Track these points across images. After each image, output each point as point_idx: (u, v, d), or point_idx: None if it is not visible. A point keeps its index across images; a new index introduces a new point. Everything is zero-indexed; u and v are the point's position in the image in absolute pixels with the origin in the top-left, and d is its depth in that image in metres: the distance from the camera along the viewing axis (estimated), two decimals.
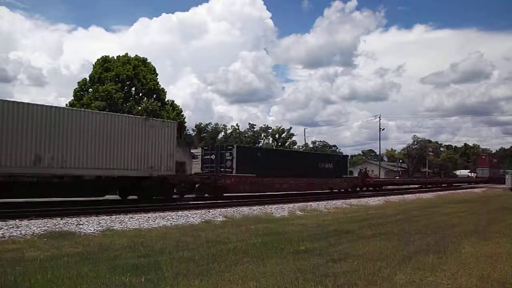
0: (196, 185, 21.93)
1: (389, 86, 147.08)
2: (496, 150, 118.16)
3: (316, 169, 28.96)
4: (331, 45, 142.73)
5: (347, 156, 39.40)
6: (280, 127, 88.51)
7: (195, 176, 22.86)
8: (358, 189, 34.00)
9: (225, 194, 22.43)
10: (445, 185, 54.16)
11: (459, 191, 43.77)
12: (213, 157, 24.41)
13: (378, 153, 75.19)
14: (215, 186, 22.00)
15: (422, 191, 39.03)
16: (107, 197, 18.47)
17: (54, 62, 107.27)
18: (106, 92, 32.56)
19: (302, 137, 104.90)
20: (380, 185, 40.43)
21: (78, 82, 35.35)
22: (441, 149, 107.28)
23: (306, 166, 28.12)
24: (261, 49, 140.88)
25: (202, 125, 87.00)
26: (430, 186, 49.77)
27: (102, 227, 11.49)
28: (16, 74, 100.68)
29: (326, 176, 29.77)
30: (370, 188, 36.50)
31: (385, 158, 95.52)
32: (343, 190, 31.37)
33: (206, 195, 22.39)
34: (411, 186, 47.89)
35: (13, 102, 14.77)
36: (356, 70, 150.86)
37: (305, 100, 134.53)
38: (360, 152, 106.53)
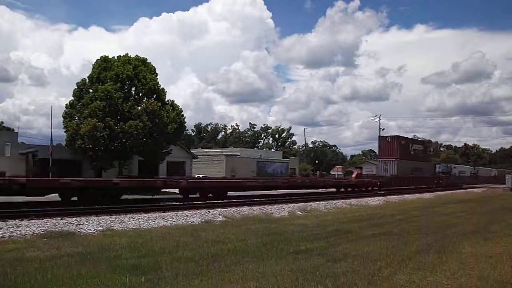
0: None
1: (391, 86, 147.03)
2: (496, 150, 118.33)
3: None
4: (333, 45, 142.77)
5: None
6: (280, 127, 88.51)
7: None
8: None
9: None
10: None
11: (459, 191, 43.79)
12: None
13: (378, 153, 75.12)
14: None
15: (422, 191, 39.07)
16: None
17: (54, 62, 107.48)
18: (106, 92, 32.52)
19: (302, 137, 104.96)
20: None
21: (77, 83, 35.30)
22: (441, 149, 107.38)
23: None
24: (262, 49, 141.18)
25: (202, 125, 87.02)
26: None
27: (102, 227, 11.49)
28: (17, 74, 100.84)
29: None
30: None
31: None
32: None
33: None
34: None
35: None
36: (357, 70, 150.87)
37: (306, 100, 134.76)
38: (360, 152, 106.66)
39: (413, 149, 44.04)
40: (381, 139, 44.30)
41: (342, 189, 32.52)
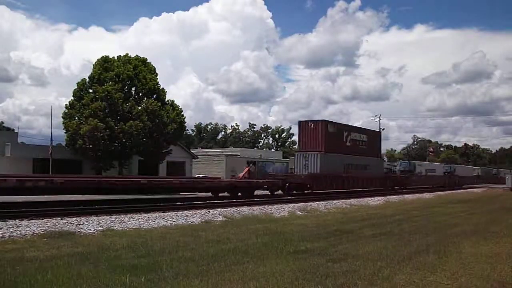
0: None
1: (391, 86, 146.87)
2: (496, 150, 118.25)
3: None
4: (333, 45, 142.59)
5: None
6: (280, 127, 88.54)
7: None
8: None
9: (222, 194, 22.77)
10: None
11: (459, 191, 43.79)
12: None
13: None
14: None
15: (423, 191, 38.98)
16: (108, 197, 18.46)
17: (54, 62, 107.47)
18: (106, 93, 32.51)
19: None
20: None
21: (78, 83, 35.30)
22: (441, 149, 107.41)
23: None
24: (262, 49, 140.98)
25: (202, 125, 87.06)
26: None
27: (102, 227, 11.49)
28: (17, 74, 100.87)
29: None
30: None
31: (385, 158, 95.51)
32: None
33: None
34: None
35: None
36: (358, 70, 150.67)
37: (306, 100, 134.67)
38: None
39: (351, 139, 32.83)
40: (302, 125, 30.96)
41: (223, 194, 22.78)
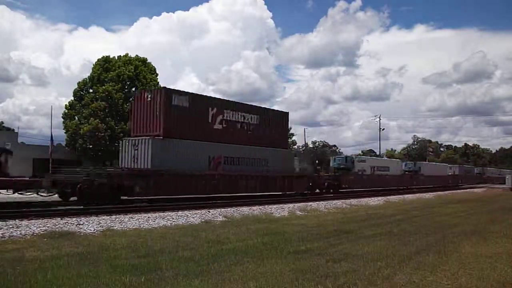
0: None
1: (391, 86, 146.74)
2: (496, 150, 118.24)
3: None
4: (334, 45, 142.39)
5: None
6: None
7: None
8: None
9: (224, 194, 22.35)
10: None
11: (459, 191, 43.78)
12: None
13: (378, 153, 75.12)
14: None
15: (423, 191, 38.84)
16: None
17: (54, 62, 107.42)
18: (107, 93, 32.54)
19: (303, 137, 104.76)
20: None
21: (78, 83, 35.34)
22: (441, 149, 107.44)
23: None
24: (263, 49, 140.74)
25: None
26: None
27: (102, 227, 11.49)
28: (17, 74, 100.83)
29: None
30: None
31: (385, 158, 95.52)
32: None
33: None
34: None
35: None
36: (358, 70, 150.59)
37: (306, 100, 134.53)
38: (360, 152, 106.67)
39: (226, 120, 22.13)
40: (136, 98, 21.25)
41: None
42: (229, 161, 22.01)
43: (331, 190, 30.83)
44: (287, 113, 27.20)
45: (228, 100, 24.94)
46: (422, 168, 48.09)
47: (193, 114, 20.42)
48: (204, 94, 25.19)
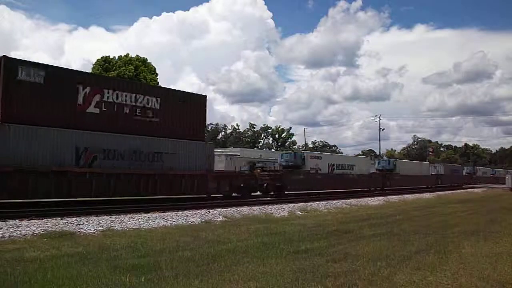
0: None
1: (391, 86, 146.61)
2: (496, 150, 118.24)
3: None
4: (334, 45, 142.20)
5: None
6: (280, 127, 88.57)
7: None
8: None
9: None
10: None
11: (459, 191, 43.78)
12: None
13: (378, 153, 75.17)
14: None
15: (423, 191, 38.71)
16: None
17: (55, 62, 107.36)
18: None
19: (303, 137, 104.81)
20: None
21: None
22: (441, 149, 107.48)
23: None
24: (263, 49, 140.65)
25: None
26: None
27: (102, 227, 11.49)
28: None
29: None
30: None
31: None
32: None
33: None
34: None
35: None
36: (358, 70, 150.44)
37: (306, 100, 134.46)
38: (360, 152, 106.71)
39: (106, 102, 17.26)
40: None
41: None
42: (111, 155, 17.05)
43: (272, 193, 25.72)
44: (204, 96, 22.16)
45: (110, 77, 19.40)
46: (398, 167, 41.94)
47: (52, 93, 15.76)
48: (74, 69, 20.00)
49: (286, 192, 26.45)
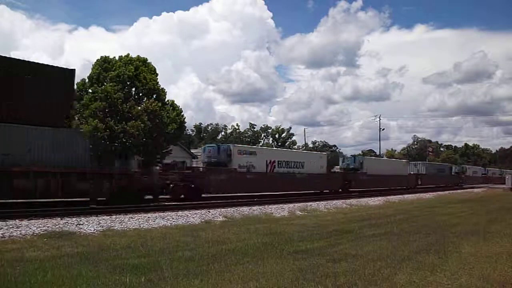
0: None
1: (392, 86, 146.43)
2: (496, 150, 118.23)
3: None
4: (335, 45, 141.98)
5: None
6: (279, 127, 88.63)
7: None
8: None
9: (225, 194, 22.08)
10: None
11: (459, 191, 43.77)
12: None
13: (378, 153, 75.13)
14: None
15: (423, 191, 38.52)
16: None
17: (55, 62, 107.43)
18: (106, 93, 32.57)
19: (303, 137, 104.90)
20: None
21: (77, 83, 35.32)
22: (441, 149, 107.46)
23: None
24: (263, 49, 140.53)
25: (202, 125, 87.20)
26: None
27: (102, 227, 11.50)
28: None
29: None
30: None
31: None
32: None
33: None
34: None
35: None
36: (359, 70, 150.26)
37: (307, 100, 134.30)
38: (360, 152, 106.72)
39: None
40: None
41: None
42: None
43: (183, 196, 20.90)
44: (72, 71, 18.72)
45: None
46: (365, 165, 35.29)
47: None
48: None
49: (203, 195, 22.02)
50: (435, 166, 54.55)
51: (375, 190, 32.82)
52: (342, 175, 33.70)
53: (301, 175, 28.56)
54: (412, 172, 44.74)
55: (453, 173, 56.29)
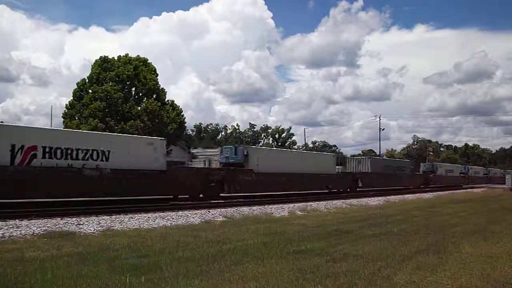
0: None
1: (392, 86, 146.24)
2: (496, 150, 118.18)
3: None
4: (335, 45, 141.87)
5: None
6: (280, 127, 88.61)
7: None
8: None
9: (224, 194, 22.03)
10: None
11: (459, 191, 43.76)
12: None
13: (378, 153, 75.12)
14: None
15: (423, 191, 38.44)
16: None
17: (55, 62, 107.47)
18: (105, 93, 32.56)
19: (303, 137, 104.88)
20: None
21: (77, 83, 35.37)
22: (441, 149, 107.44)
23: None
24: (264, 49, 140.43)
25: (202, 125, 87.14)
26: None
27: (102, 227, 11.49)
28: (19, 74, 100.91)
29: None
30: None
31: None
32: None
33: None
34: None
35: None
36: (359, 70, 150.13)
37: (307, 100, 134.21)
38: (361, 152, 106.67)
39: None
40: None
41: None
42: None
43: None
44: None
45: None
46: (253, 160, 24.52)
47: None
48: None
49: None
50: (389, 162, 42.41)
51: (267, 196, 24.51)
52: (221, 173, 22.88)
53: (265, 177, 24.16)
54: (348, 171, 34.89)
55: (422, 172, 47.25)
